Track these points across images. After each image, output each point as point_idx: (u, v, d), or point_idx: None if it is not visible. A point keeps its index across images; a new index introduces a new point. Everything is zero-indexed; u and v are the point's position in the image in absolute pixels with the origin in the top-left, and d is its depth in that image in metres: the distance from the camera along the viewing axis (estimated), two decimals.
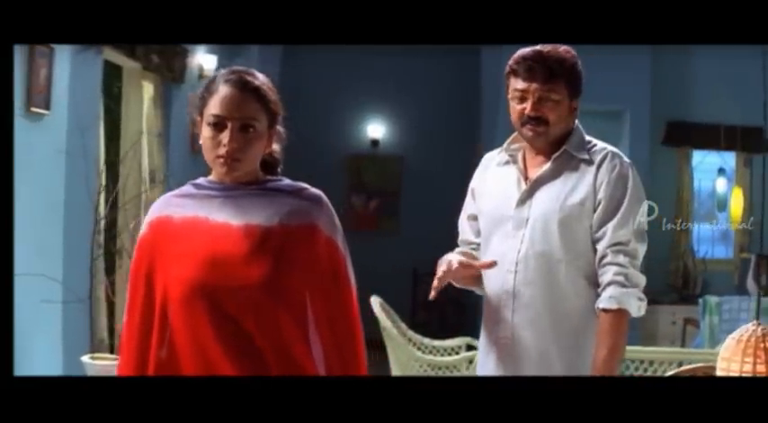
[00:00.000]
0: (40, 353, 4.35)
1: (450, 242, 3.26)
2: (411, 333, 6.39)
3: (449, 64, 10.13)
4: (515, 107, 3.01)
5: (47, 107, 4.26)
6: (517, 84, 3.00)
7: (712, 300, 6.42)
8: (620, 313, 2.89)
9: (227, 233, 2.47)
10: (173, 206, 2.54)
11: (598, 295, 2.93)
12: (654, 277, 8.18)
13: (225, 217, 2.49)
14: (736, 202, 8.47)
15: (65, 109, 4.44)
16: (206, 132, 2.47)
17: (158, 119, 6.35)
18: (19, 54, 4.03)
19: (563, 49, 3.01)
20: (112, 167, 5.78)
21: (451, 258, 3.00)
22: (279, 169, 2.66)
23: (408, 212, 10.72)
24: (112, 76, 5.99)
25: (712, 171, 9.18)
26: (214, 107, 2.46)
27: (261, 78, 2.54)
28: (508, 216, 3.03)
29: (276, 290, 2.46)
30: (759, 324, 2.68)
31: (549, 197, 2.99)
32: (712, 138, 8.49)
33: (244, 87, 2.47)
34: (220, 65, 7.35)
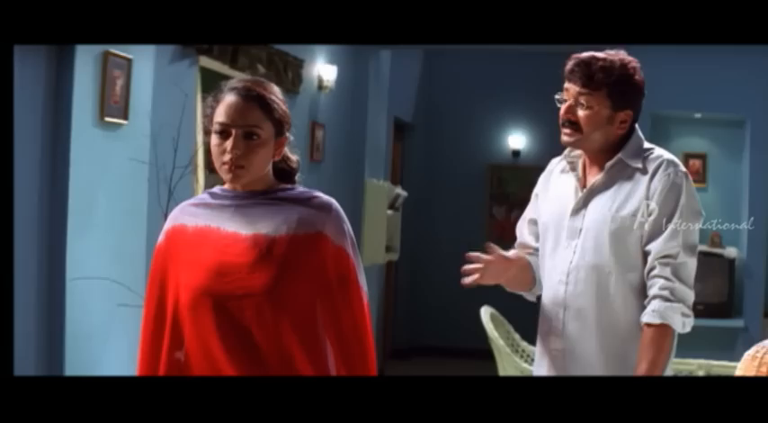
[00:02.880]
0: (119, 355, 4.48)
1: None
2: (525, 344, 6.28)
3: None
4: (560, 109, 2.97)
5: (124, 117, 4.37)
6: (564, 85, 2.95)
7: None
8: (663, 328, 2.79)
9: (236, 243, 2.54)
10: (187, 215, 2.64)
11: (643, 308, 2.84)
12: None
13: (235, 227, 2.56)
14: None
15: (146, 119, 4.55)
16: (213, 140, 2.57)
17: None
18: (91, 65, 4.16)
19: (619, 57, 2.91)
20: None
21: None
22: (297, 177, 2.71)
23: None
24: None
25: None
26: (219, 115, 2.55)
27: (268, 88, 2.60)
28: (563, 225, 2.98)
29: (280, 298, 2.51)
30: None
31: (602, 207, 2.92)
32: None
33: (247, 96, 2.54)
34: (341, 75, 7.39)
